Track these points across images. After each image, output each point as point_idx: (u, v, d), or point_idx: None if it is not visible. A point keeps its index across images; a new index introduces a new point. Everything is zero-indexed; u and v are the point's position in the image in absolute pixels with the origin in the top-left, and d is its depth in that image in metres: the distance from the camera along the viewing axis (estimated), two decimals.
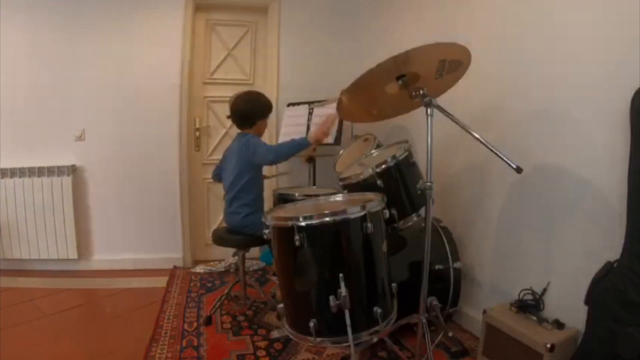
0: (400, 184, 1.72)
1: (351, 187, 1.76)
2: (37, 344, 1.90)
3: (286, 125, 2.99)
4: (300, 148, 2.14)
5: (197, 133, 3.24)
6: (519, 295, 1.65)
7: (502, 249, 1.89)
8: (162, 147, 3.06)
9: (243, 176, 2.20)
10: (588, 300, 1.32)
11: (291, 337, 1.47)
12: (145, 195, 3.06)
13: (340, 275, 1.31)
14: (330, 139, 2.70)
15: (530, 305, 1.60)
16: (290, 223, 1.35)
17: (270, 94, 2.39)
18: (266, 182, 2.46)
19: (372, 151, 2.14)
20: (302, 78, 3.22)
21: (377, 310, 1.36)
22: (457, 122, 1.38)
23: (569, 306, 1.48)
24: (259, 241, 2.19)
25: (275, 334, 1.99)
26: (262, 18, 3.25)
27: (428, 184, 1.44)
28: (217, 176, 2.49)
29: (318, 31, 3.25)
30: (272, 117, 2.44)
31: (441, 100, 1.48)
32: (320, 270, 1.37)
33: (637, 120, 1.24)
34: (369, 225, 1.34)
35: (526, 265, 1.74)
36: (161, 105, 3.03)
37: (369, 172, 1.69)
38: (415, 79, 1.48)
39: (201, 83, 3.24)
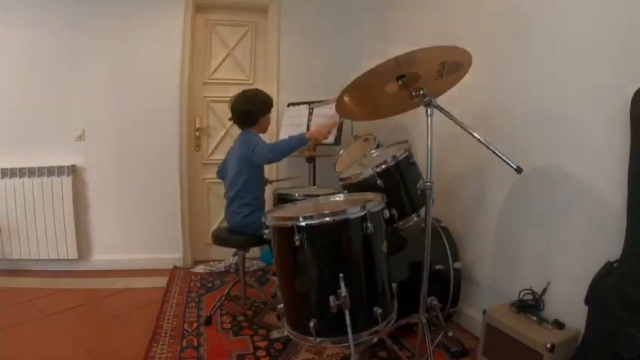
0: (400, 184, 1.72)
1: (351, 187, 1.76)
2: (37, 344, 1.90)
3: (286, 125, 3.00)
4: (298, 145, 2.13)
5: (197, 133, 3.24)
6: (519, 295, 1.65)
7: (502, 249, 1.89)
8: (162, 147, 3.05)
9: (242, 174, 2.19)
10: (588, 300, 1.32)
11: (291, 337, 1.47)
12: (145, 195, 3.06)
13: (340, 275, 1.31)
14: (330, 139, 2.70)
15: (530, 305, 1.60)
16: (290, 223, 1.35)
17: (270, 94, 2.37)
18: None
19: (372, 151, 2.14)
20: (302, 78, 3.22)
21: (377, 310, 1.36)
22: (457, 122, 1.38)
23: (569, 306, 1.48)
24: (259, 241, 2.18)
25: (275, 334, 1.99)
26: (262, 18, 3.26)
27: (428, 184, 1.43)
28: (220, 172, 2.47)
29: (318, 31, 3.25)
30: (272, 117, 2.43)
31: (441, 100, 1.48)
32: (320, 270, 1.37)
33: (637, 121, 1.25)
34: (369, 225, 1.34)
35: (526, 265, 1.74)
36: (161, 105, 3.03)
37: (369, 172, 1.69)
38: (415, 79, 1.48)
39: (201, 83, 3.24)
